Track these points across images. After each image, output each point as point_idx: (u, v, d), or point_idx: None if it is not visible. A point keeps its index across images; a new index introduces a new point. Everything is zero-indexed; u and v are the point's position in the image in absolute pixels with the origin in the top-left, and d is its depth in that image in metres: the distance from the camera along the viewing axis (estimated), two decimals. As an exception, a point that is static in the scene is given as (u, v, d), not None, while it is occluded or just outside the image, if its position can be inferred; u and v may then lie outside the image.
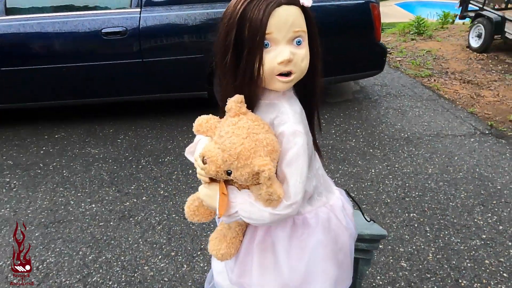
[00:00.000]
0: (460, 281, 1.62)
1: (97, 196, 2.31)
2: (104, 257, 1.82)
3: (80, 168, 2.63)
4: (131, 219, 2.09)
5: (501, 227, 1.92)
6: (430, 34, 6.61)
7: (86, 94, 3.14)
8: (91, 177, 2.51)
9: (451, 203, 2.12)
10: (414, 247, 1.81)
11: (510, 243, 1.81)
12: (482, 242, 1.83)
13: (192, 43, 2.97)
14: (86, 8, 2.91)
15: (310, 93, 0.73)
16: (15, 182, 2.48)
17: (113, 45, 2.88)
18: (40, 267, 1.77)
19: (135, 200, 2.26)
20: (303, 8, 0.63)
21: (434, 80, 4.30)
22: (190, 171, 2.53)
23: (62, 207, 2.21)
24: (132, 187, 2.38)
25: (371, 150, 2.74)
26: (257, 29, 0.58)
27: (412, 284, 1.61)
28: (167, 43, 2.95)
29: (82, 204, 2.23)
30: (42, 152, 2.86)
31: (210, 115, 0.80)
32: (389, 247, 1.82)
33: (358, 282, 1.01)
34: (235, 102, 0.63)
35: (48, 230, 2.01)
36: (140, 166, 2.61)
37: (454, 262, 1.72)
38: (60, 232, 2.00)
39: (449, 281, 1.62)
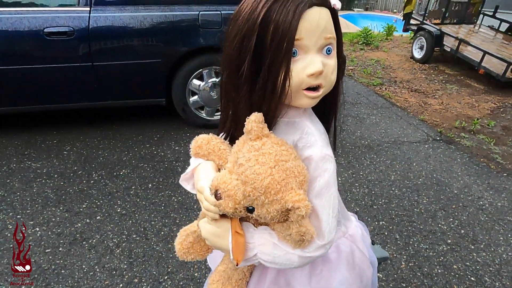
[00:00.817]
0: (433, 288, 1.64)
1: (41, 218, 2.01)
2: (53, 291, 1.57)
3: (18, 185, 2.29)
4: (84, 242, 1.85)
5: (462, 231, 2.01)
6: (377, 45, 6.99)
7: (26, 101, 2.77)
8: (33, 195, 2.20)
9: (415, 209, 2.18)
10: (387, 256, 1.81)
11: (472, 247, 1.89)
12: (449, 247, 1.89)
13: (148, 47, 2.77)
14: (26, 4, 2.58)
15: (330, 111, 0.65)
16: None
17: (58, 47, 2.59)
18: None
19: (87, 220, 2.01)
20: (333, 11, 0.54)
21: (385, 89, 4.51)
22: (150, 185, 2.33)
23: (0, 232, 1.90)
24: (84, 206, 2.12)
25: (335, 158, 2.74)
26: (285, 34, 0.48)
27: (390, 294, 1.60)
28: (120, 45, 2.71)
29: (23, 229, 1.93)
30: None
31: (211, 134, 0.68)
32: (364, 257, 1.80)
33: None
34: (256, 123, 0.52)
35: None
36: (91, 181, 2.35)
37: (426, 269, 1.74)
38: (-4, 263, 1.70)
39: (424, 289, 1.63)
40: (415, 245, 1.89)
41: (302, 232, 0.51)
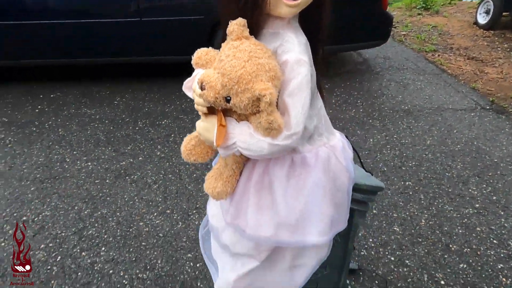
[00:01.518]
0: (450, 246, 1.64)
1: (93, 154, 2.29)
2: (99, 212, 1.83)
3: (76, 127, 2.60)
4: (127, 177, 2.09)
5: (494, 197, 1.94)
6: (437, 10, 6.44)
7: (85, 54, 3.05)
8: (87, 136, 2.49)
9: (447, 174, 2.13)
10: (407, 213, 1.83)
11: (502, 212, 1.83)
12: (475, 211, 1.84)
13: (192, 4, 2.87)
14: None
15: (316, 28, 0.69)
16: (10, 138, 2.46)
17: (111, 3, 2.78)
18: (35, 219, 1.78)
19: (131, 160, 2.25)
20: None
21: (438, 56, 4.23)
22: (187, 134, 2.50)
23: (58, 164, 2.20)
24: (129, 148, 2.36)
25: (370, 121, 2.71)
26: None
27: (403, 247, 1.64)
28: (166, 2, 2.84)
29: (78, 162, 2.22)
30: (37, 111, 2.82)
31: (210, 48, 0.77)
32: (383, 212, 1.83)
33: (353, 233, 1.01)
34: (237, 25, 0.59)
35: (44, 186, 2.01)
36: (137, 128, 2.58)
37: (446, 228, 1.74)
38: (55, 188, 1.99)
39: (440, 245, 1.64)
40: (439, 206, 1.87)
41: (270, 120, 0.59)
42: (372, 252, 1.61)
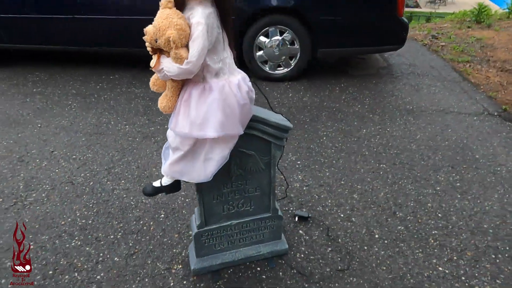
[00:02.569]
0: (397, 213, 1.90)
1: (131, 121, 2.89)
2: (126, 159, 2.39)
3: (123, 101, 3.24)
4: (152, 139, 2.64)
5: (458, 184, 2.13)
6: (490, 23, 6.28)
7: (138, 45, 3.73)
8: (130, 108, 3.11)
9: (422, 162, 2.35)
10: (370, 187, 2.11)
11: (459, 196, 2.03)
12: (434, 192, 2.06)
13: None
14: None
15: (220, 3, 1.10)
16: (75, 105, 3.17)
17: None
18: (81, 158, 2.39)
19: (158, 127, 2.80)
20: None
21: (469, 66, 4.25)
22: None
23: (104, 125, 2.83)
24: (159, 118, 2.92)
25: (371, 115, 2.97)
26: None
27: (355, 209, 1.94)
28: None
29: (119, 125, 2.83)
30: (98, 87, 3.54)
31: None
32: (349, 184, 2.14)
33: (273, 162, 1.38)
34: (165, 0, 1.04)
35: (91, 138, 2.64)
36: (169, 105, 3.16)
37: (399, 201, 1.99)
38: (99, 140, 2.61)
39: (388, 212, 1.91)
40: (402, 185, 2.12)
41: (175, 53, 1.02)
42: (327, 209, 1.94)
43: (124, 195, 2.05)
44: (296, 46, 3.49)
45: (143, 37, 1.09)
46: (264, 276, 1.55)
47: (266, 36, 3.48)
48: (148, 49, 1.11)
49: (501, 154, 2.42)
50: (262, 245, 1.60)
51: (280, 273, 1.56)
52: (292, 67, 3.60)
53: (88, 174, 2.23)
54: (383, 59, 4.38)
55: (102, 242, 1.74)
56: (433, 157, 2.40)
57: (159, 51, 1.09)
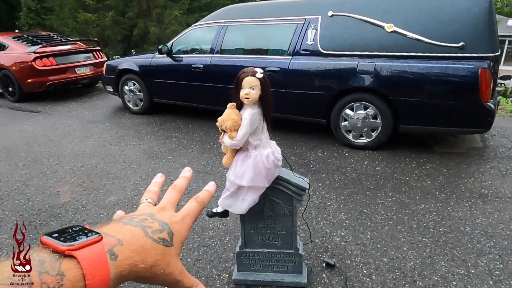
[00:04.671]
0: (417, 282, 2.11)
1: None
2: (216, 194, 3.21)
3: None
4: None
5: (497, 272, 2.16)
6: None
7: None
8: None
9: (469, 245, 2.42)
10: (403, 255, 2.35)
11: (491, 283, 2.08)
12: (465, 273, 2.16)
13: (319, 83, 4.10)
14: (259, 53, 4.53)
15: (264, 104, 1.76)
16: (195, 148, 4.28)
17: (270, 78, 4.36)
18: (188, 189, 3.33)
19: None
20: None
21: None
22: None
23: (210, 166, 3.78)
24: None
25: (437, 193, 3.11)
26: (239, 82, 1.72)
27: (379, 269, 2.22)
28: (303, 80, 4.19)
29: (220, 168, 3.73)
30: (214, 137, 4.62)
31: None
32: (384, 248, 2.42)
33: (295, 210, 1.90)
34: (231, 104, 1.77)
35: (199, 175, 3.59)
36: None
37: (425, 272, 2.18)
38: (203, 177, 3.54)
39: (408, 279, 2.13)
40: (436, 260, 2.29)
41: (230, 134, 1.72)
42: (354, 264, 2.29)
43: (207, 219, 2.82)
44: (378, 120, 3.90)
45: (216, 123, 1.87)
46: (282, 299, 2.03)
47: (352, 109, 4.02)
48: (219, 129, 1.88)
49: None
50: (286, 274, 2.09)
51: (295, 300, 2.01)
52: (373, 138, 3.99)
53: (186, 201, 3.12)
54: (481, 138, 4.30)
55: (184, 248, 2.51)
56: (484, 242, 2.45)
57: (223, 131, 1.84)
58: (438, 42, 3.48)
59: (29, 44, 7.02)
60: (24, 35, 7.57)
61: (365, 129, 3.99)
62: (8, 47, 7.01)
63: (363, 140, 4.06)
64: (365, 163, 3.75)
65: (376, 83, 3.77)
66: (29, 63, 6.62)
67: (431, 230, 2.61)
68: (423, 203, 2.95)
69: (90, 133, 5.02)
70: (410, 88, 3.65)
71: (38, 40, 7.29)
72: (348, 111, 4.03)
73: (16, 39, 7.23)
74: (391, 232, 2.60)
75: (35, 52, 6.68)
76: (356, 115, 3.98)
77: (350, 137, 4.13)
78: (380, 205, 2.95)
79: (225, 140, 1.79)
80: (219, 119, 1.81)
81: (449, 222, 2.69)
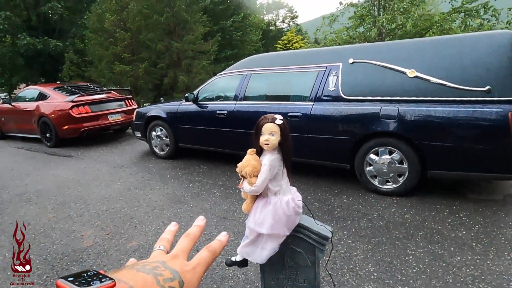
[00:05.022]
0: None
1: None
2: (236, 241, 3.13)
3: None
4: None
5: None
6: None
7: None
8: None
9: None
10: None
11: None
12: None
13: (342, 128, 4.09)
14: (282, 99, 4.63)
15: (284, 149, 1.76)
16: (218, 193, 4.27)
17: (294, 124, 4.40)
18: (208, 234, 3.27)
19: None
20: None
21: None
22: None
23: (232, 212, 3.74)
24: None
25: (473, 244, 2.88)
26: (259, 128, 1.74)
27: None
28: (326, 125, 4.20)
29: (242, 214, 3.68)
30: (237, 182, 4.62)
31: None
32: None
33: (317, 261, 1.79)
34: (250, 150, 1.77)
35: (220, 220, 3.54)
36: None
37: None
38: (224, 223, 3.49)
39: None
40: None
41: (249, 181, 1.70)
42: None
43: (226, 268, 2.73)
44: (405, 165, 3.78)
45: (236, 169, 1.88)
46: None
47: (376, 154, 3.93)
48: (239, 175, 1.88)
49: None
50: (309, 331, 1.94)
51: None
52: (400, 184, 3.85)
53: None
54: (519, 185, 4.05)
55: (202, 298, 2.41)
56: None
57: (243, 177, 1.83)
58: (463, 86, 3.43)
59: (68, 94, 7.57)
60: (64, 86, 8.20)
61: (391, 174, 3.87)
62: (49, 96, 7.58)
63: (390, 186, 3.92)
64: (393, 210, 3.58)
65: (400, 128, 3.71)
66: (67, 111, 7.09)
67: (470, 286, 2.38)
68: (459, 255, 2.73)
69: (117, 177, 5.16)
70: (436, 132, 3.55)
71: (76, 90, 7.86)
72: (372, 156, 3.95)
73: (57, 89, 7.83)
74: (425, 287, 2.39)
75: (72, 101, 7.16)
76: (381, 160, 3.89)
77: (376, 182, 4.00)
78: (411, 257, 2.76)
79: (245, 186, 1.77)
80: (239, 165, 1.82)
81: (490, 277, 2.45)
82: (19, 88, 18.02)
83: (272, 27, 39.73)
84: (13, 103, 8.32)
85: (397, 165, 3.82)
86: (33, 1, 16.43)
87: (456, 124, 3.43)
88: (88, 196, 4.42)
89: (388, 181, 3.93)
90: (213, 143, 5.34)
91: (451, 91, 3.49)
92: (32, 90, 8.20)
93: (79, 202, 4.23)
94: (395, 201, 3.77)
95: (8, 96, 15.93)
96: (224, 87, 5.35)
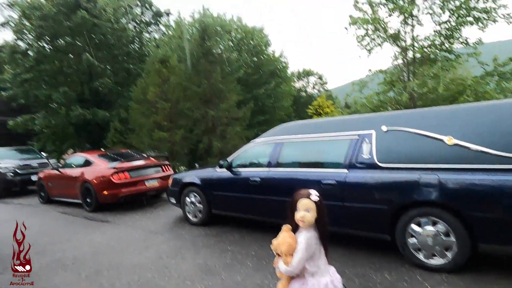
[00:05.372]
0: None
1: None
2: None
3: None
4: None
5: None
6: None
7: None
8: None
9: None
10: None
11: None
12: None
13: (379, 196, 3.93)
14: (315, 166, 4.61)
15: (320, 225, 1.69)
16: (250, 265, 4.11)
17: (328, 191, 4.31)
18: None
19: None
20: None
21: None
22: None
23: (265, 287, 3.54)
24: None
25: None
26: (294, 203, 1.71)
27: None
28: (361, 193, 4.07)
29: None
30: (271, 252, 4.45)
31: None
32: None
33: None
34: (286, 226, 1.72)
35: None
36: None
37: None
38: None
39: None
40: None
41: (285, 260, 1.62)
42: None
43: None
44: (452, 238, 3.50)
45: (271, 246, 1.82)
46: None
47: (418, 224, 3.69)
48: (275, 253, 1.82)
49: None
50: None
51: None
52: (449, 259, 3.52)
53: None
54: None
55: None
56: None
57: (278, 255, 1.77)
58: (508, 153, 3.27)
59: (110, 161, 8.02)
60: (108, 153, 8.74)
61: (437, 247, 3.57)
62: (93, 163, 8.07)
63: (437, 261, 3.59)
64: (443, 290, 3.23)
65: (443, 197, 3.51)
66: (108, 177, 7.45)
67: None
68: None
69: (150, 243, 5.17)
70: (483, 202, 3.32)
71: (118, 157, 8.33)
72: (414, 227, 3.71)
73: (101, 156, 8.35)
74: None
75: (114, 168, 7.56)
76: (425, 231, 3.63)
77: (420, 256, 3.69)
78: None
79: (280, 265, 1.71)
80: (274, 242, 1.77)
81: None
82: (67, 154, 19.45)
83: (303, 93, 41.28)
84: (61, 170, 8.90)
85: (443, 237, 3.54)
86: (88, 77, 18.43)
87: (508, 193, 3.20)
88: (121, 264, 4.41)
89: (434, 255, 3.62)
90: (246, 210, 5.30)
91: (495, 158, 3.32)
92: (79, 157, 8.80)
93: (112, 270, 4.22)
94: (444, 279, 3.42)
95: (58, 162, 17.14)
96: (257, 154, 5.45)
